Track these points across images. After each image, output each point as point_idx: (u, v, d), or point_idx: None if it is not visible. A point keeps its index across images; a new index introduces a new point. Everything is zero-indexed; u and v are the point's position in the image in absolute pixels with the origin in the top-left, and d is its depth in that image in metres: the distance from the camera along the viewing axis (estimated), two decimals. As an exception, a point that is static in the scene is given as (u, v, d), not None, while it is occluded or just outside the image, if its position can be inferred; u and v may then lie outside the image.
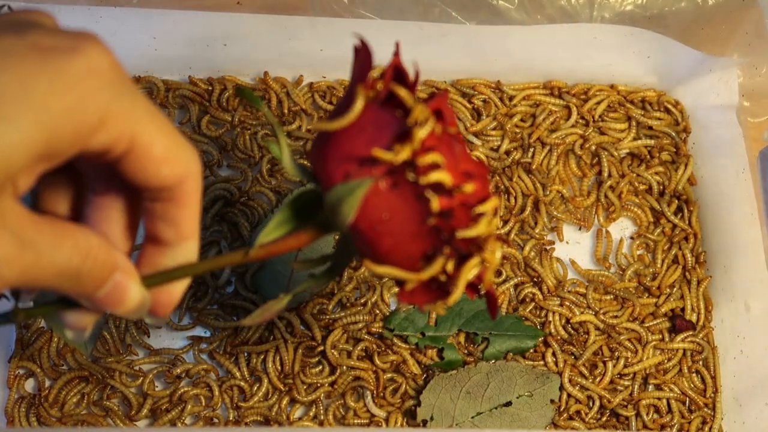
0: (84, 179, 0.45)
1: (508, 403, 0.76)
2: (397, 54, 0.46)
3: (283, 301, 0.49)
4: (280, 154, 0.48)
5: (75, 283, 0.41)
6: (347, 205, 0.44)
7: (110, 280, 0.43)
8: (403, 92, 0.44)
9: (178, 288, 0.46)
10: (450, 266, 0.45)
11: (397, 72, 0.46)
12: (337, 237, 0.75)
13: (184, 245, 0.45)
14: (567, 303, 0.81)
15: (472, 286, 0.47)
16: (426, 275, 0.45)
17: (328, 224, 0.46)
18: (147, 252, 0.46)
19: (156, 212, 0.44)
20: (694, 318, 0.82)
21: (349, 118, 0.44)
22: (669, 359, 0.80)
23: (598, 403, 0.78)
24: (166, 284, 0.46)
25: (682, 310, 0.82)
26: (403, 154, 0.43)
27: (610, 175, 0.85)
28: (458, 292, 0.45)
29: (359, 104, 0.45)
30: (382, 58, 0.48)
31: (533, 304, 0.80)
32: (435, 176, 0.43)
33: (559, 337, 0.79)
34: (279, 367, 0.76)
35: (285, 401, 0.76)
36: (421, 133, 0.43)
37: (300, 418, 0.76)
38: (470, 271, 0.45)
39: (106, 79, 0.39)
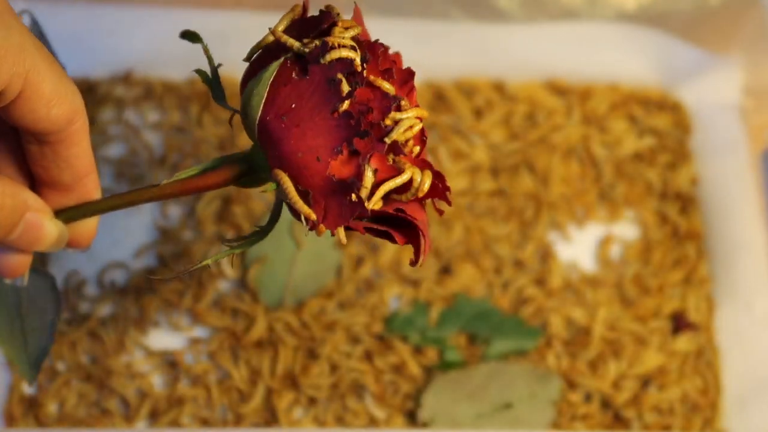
0: None
1: (509, 404, 0.76)
2: None
3: (205, 263, 0.46)
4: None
5: None
6: (257, 96, 0.41)
7: (21, 222, 0.40)
8: None
9: (92, 222, 0.45)
10: (369, 175, 0.41)
11: None
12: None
13: (84, 183, 0.43)
14: (568, 303, 0.80)
15: (399, 223, 0.43)
16: (332, 170, 0.41)
17: (250, 159, 0.43)
18: (46, 198, 0.43)
19: (47, 156, 0.42)
20: (696, 318, 0.81)
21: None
22: (671, 360, 0.80)
23: (599, 404, 0.78)
24: (79, 220, 0.44)
25: (684, 310, 0.82)
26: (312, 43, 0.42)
27: (611, 175, 0.85)
28: (374, 200, 0.41)
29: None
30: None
31: (534, 304, 0.80)
32: (338, 53, 0.42)
33: (560, 338, 0.79)
34: (278, 368, 0.76)
35: (284, 402, 0.76)
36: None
37: (300, 419, 0.76)
38: (389, 184, 0.41)
39: None
